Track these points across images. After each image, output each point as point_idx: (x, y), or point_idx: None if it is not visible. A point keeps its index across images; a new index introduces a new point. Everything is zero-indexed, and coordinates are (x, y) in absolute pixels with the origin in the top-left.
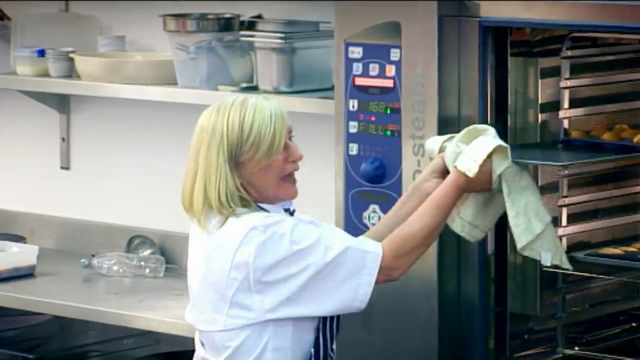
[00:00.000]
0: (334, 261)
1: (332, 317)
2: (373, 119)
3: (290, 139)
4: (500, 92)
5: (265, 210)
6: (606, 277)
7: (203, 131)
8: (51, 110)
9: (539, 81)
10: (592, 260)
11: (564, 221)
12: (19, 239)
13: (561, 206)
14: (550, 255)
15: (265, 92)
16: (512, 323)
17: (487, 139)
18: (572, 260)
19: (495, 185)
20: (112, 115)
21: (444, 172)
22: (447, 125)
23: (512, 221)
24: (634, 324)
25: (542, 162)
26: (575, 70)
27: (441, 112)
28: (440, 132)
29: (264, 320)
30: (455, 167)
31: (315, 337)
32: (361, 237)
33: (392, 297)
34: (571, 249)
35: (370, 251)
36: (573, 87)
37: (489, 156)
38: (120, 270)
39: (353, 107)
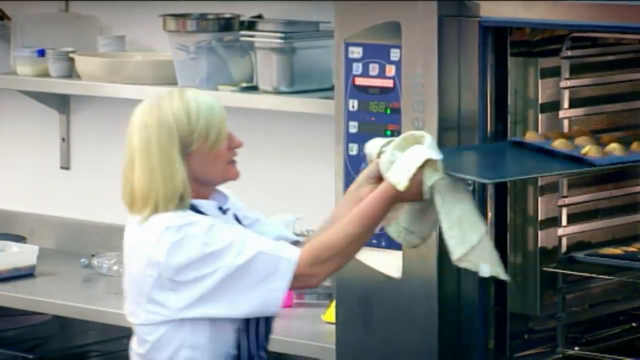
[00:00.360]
0: (244, 265)
1: (257, 320)
2: (373, 119)
3: None
4: (500, 92)
5: (199, 211)
6: (606, 277)
7: (148, 127)
8: (51, 110)
9: (539, 81)
10: (592, 260)
11: (564, 221)
12: (19, 239)
13: (561, 206)
14: (488, 266)
15: (265, 92)
16: (512, 323)
17: (420, 149)
18: (572, 260)
19: (427, 195)
20: (112, 115)
21: (380, 179)
22: (447, 125)
23: (445, 233)
24: (634, 324)
25: (466, 176)
26: (575, 70)
27: (441, 112)
28: (441, 132)
29: (179, 318)
30: (387, 177)
31: (237, 338)
32: (281, 242)
33: (392, 297)
34: (571, 249)
35: (284, 257)
36: (573, 87)
37: (422, 167)
38: (120, 270)
39: (353, 107)
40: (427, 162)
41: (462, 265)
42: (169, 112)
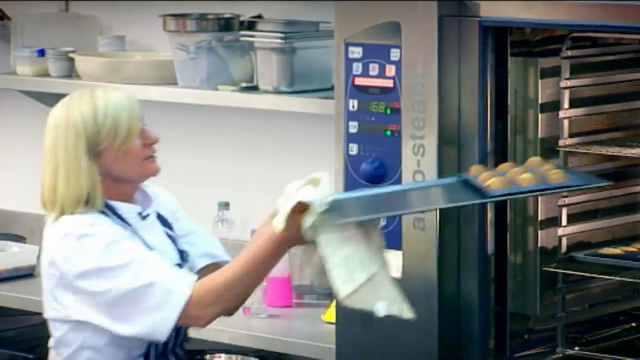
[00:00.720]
0: (137, 290)
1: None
2: (373, 119)
3: (143, 125)
4: (500, 92)
5: (117, 214)
6: (606, 277)
7: (57, 127)
8: (51, 110)
9: (539, 81)
10: (592, 260)
11: (564, 221)
12: (19, 239)
13: (561, 206)
14: (386, 304)
15: (266, 92)
16: (512, 323)
17: (301, 192)
18: (572, 260)
19: (309, 238)
20: None
21: None
22: (447, 125)
23: (330, 274)
24: (634, 324)
25: (337, 219)
26: (575, 70)
27: (441, 112)
28: (441, 132)
29: (78, 320)
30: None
31: (140, 342)
32: (180, 274)
33: None
34: (571, 249)
35: (175, 291)
36: (573, 87)
37: (302, 211)
38: None
39: (353, 107)
40: (307, 206)
41: (353, 304)
42: (77, 111)
